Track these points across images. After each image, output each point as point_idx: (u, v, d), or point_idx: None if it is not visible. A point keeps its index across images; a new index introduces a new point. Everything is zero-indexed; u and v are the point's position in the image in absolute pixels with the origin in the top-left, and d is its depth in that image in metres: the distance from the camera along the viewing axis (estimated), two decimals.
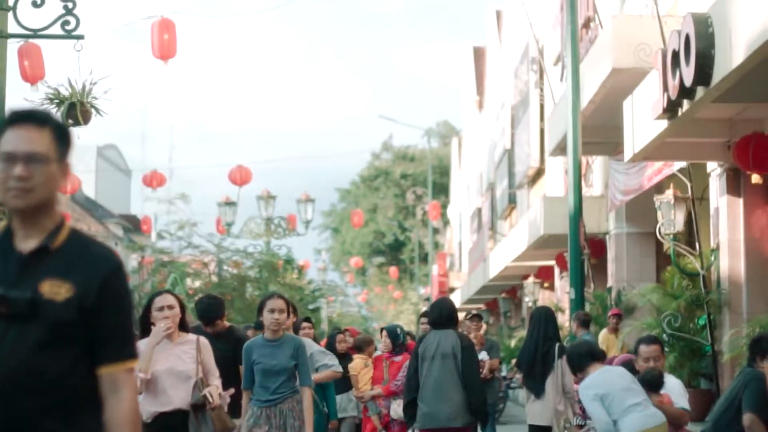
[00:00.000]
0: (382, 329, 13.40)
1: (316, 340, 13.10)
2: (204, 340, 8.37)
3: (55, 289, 3.69)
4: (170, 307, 8.20)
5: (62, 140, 3.80)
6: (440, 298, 12.62)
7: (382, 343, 12.98)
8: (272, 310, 9.04)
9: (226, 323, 9.88)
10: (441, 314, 10.82)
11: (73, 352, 3.72)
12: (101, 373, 3.77)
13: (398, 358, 12.55)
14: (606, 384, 8.93)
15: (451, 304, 11.39)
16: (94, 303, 3.72)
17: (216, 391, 8.22)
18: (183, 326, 8.33)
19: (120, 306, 3.82)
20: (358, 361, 12.99)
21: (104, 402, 3.76)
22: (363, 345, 13.34)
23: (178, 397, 8.12)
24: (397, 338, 12.78)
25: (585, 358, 9.30)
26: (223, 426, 8.27)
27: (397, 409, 12.02)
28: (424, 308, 70.14)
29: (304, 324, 12.51)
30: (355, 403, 13.27)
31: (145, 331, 8.22)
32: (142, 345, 8.01)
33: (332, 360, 10.98)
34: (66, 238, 3.81)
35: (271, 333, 9.08)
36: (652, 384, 9.82)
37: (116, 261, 3.84)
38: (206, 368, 8.27)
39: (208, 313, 9.64)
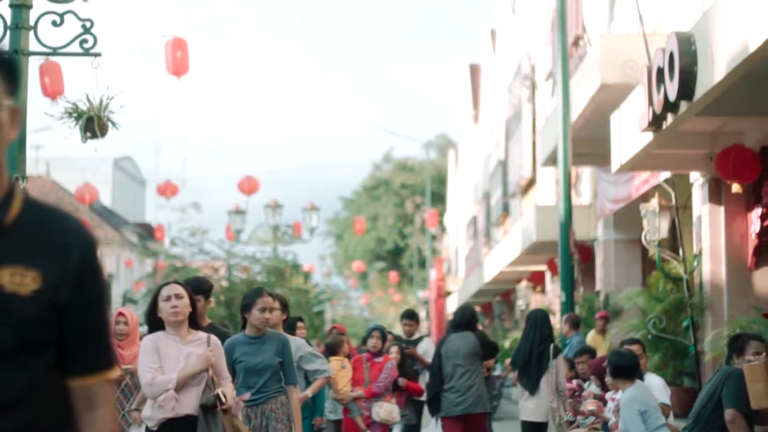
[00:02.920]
0: (374, 328, 12.27)
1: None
2: (215, 339, 7.37)
3: (18, 279, 2.67)
4: (178, 296, 7.14)
5: (10, 76, 2.74)
6: (464, 304, 13.37)
7: (371, 343, 11.96)
8: (263, 309, 8.15)
9: (207, 319, 8.84)
10: (462, 318, 12.01)
11: (45, 359, 2.76)
12: (73, 386, 2.82)
13: (379, 359, 11.82)
14: (646, 400, 8.94)
15: (473, 310, 12.67)
16: (71, 295, 2.74)
17: (231, 392, 7.28)
18: (193, 323, 7.32)
19: (99, 300, 2.83)
20: (334, 363, 11.58)
21: (77, 420, 2.85)
22: (335, 347, 12.20)
23: (187, 402, 7.10)
24: (385, 339, 12.17)
25: (633, 369, 9.30)
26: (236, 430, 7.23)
27: (378, 411, 11.49)
28: (422, 311, 70.22)
29: (299, 324, 11.63)
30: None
31: (153, 327, 7.26)
32: (147, 341, 7.18)
33: (323, 365, 9.83)
34: (20, 210, 2.74)
35: (255, 330, 8.17)
36: None
37: (91, 238, 2.81)
38: (217, 370, 7.26)
39: (194, 284, 8.34)
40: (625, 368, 9.15)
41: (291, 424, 8.15)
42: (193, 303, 7.27)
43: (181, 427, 7.10)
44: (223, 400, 7.10)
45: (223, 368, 7.36)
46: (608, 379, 10.80)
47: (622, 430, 9.02)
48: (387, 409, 11.52)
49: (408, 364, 12.85)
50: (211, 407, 7.09)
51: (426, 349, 13.63)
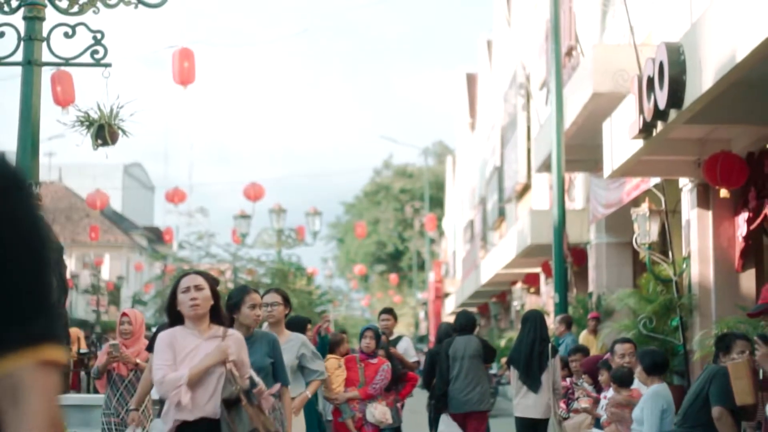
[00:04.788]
0: (367, 328, 11.56)
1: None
2: (237, 334, 6.46)
3: None
4: (198, 288, 6.20)
5: None
6: (463, 311, 14.14)
7: (364, 343, 11.30)
8: (253, 306, 7.44)
9: None
10: (466, 323, 12.55)
11: None
12: None
13: (374, 360, 11.20)
14: (670, 401, 8.96)
15: (472, 315, 13.19)
16: None
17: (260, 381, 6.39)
18: (216, 317, 6.37)
19: (10, 246, 1.91)
20: (331, 361, 11.01)
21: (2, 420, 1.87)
22: (334, 345, 11.65)
23: (202, 403, 6.14)
24: (379, 340, 11.55)
25: (666, 366, 9.37)
26: (264, 427, 6.26)
27: (373, 412, 10.95)
28: (421, 312, 70.04)
29: (308, 326, 10.87)
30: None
31: (174, 321, 6.32)
32: (162, 337, 6.27)
33: (321, 366, 8.96)
34: None
35: (244, 330, 7.29)
36: (623, 380, 9.87)
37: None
38: (239, 366, 6.29)
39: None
40: (661, 365, 9.28)
41: (284, 428, 7.47)
42: (216, 295, 6.34)
43: (196, 430, 6.16)
44: (257, 381, 6.25)
45: (246, 364, 6.39)
46: (601, 377, 10.82)
47: (637, 419, 9.02)
48: (381, 411, 11.04)
49: (395, 363, 12.59)
50: (234, 401, 6.15)
51: (405, 349, 13.50)
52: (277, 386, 7.10)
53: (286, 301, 8.85)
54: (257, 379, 6.36)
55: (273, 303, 8.55)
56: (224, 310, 6.45)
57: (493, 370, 24.57)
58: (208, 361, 6.17)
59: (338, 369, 11.07)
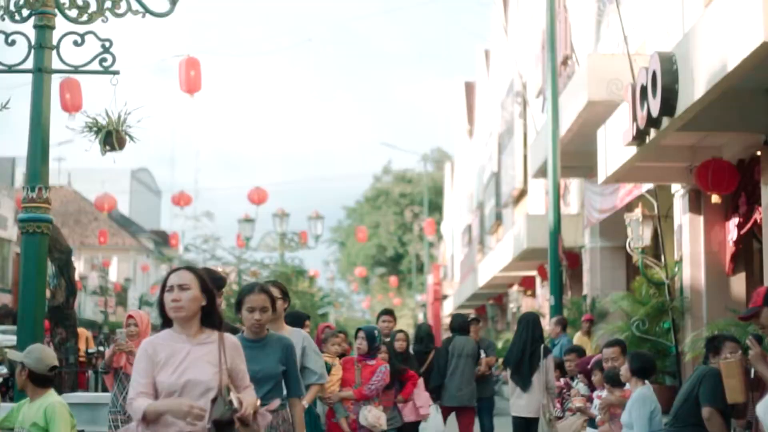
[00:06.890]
0: (359, 329, 10.93)
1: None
2: (232, 339, 5.45)
3: None
4: (182, 287, 5.28)
5: None
6: (459, 313, 14.28)
7: (357, 344, 10.75)
8: (252, 309, 6.61)
9: None
10: (462, 324, 13.16)
11: None
12: None
13: (371, 362, 10.56)
14: (656, 400, 8.95)
15: (466, 317, 13.77)
16: None
17: (251, 399, 5.32)
18: (209, 320, 5.39)
19: None
20: (325, 359, 10.03)
21: None
22: (326, 342, 11.12)
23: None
24: (374, 341, 10.66)
25: (652, 370, 9.36)
26: None
27: (366, 415, 10.28)
28: (420, 313, 69.99)
29: (306, 323, 10.17)
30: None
31: (168, 321, 5.38)
32: (143, 346, 5.39)
33: (322, 368, 8.33)
34: None
35: (251, 333, 6.65)
36: (615, 381, 9.86)
37: None
38: (234, 375, 5.34)
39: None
40: (648, 370, 9.27)
41: None
42: (210, 295, 5.41)
43: None
44: (236, 406, 5.16)
45: (242, 373, 5.47)
46: (595, 378, 10.81)
47: (626, 424, 9.00)
48: (375, 415, 10.34)
49: (393, 362, 12.27)
50: (227, 423, 5.18)
51: None
52: (276, 402, 6.27)
53: (285, 295, 8.20)
54: (237, 404, 5.21)
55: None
56: (219, 312, 5.55)
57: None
58: (166, 407, 5.14)
59: (332, 368, 10.49)
